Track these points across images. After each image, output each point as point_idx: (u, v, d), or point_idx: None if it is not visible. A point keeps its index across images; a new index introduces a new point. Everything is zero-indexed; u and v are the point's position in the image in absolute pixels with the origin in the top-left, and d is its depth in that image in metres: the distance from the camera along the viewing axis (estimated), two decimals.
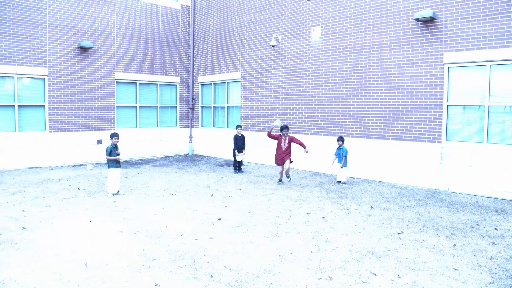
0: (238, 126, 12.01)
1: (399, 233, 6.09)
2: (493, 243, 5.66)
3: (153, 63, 15.55)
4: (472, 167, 8.95)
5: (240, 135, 12.02)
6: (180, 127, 16.74)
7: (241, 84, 14.61)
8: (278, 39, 13.06)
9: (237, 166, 12.07)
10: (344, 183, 10.12)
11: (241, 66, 14.57)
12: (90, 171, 11.99)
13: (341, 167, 10.09)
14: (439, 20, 9.32)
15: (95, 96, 13.92)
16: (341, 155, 10.07)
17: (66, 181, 10.29)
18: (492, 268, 4.77)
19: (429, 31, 9.50)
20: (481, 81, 8.91)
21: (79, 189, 9.29)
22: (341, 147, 10.11)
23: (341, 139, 10.13)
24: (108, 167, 8.60)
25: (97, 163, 13.80)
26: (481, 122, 8.96)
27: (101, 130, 14.11)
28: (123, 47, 14.57)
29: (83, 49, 13.47)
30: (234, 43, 14.85)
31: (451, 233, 6.13)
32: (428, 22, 9.48)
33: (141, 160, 14.98)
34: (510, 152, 8.43)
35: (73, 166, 13.05)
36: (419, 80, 9.72)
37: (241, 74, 14.57)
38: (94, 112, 13.93)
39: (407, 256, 5.11)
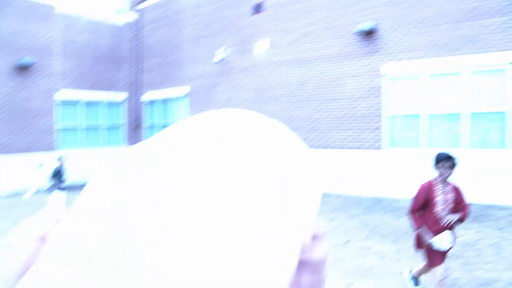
0: None
1: (346, 242, 6.24)
2: None
3: (98, 80, 15.07)
4: (411, 172, 9.38)
5: None
6: (129, 146, 16.29)
7: (190, 99, 14.49)
8: (224, 54, 13.13)
9: None
10: None
11: (189, 81, 14.47)
12: (29, 199, 11.34)
13: None
14: (378, 33, 9.79)
15: (36, 117, 13.24)
16: None
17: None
18: None
19: (369, 43, 9.95)
20: (419, 90, 9.42)
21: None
22: None
23: None
24: (50, 192, 8.14)
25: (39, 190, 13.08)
26: (420, 129, 9.44)
27: (42, 151, 13.38)
28: (66, 64, 14.02)
29: (23, 67, 12.77)
30: (182, 58, 14.75)
31: (395, 239, 6.36)
32: (368, 34, 9.92)
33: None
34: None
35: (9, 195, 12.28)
36: (360, 92, 10.11)
37: (189, 90, 14.47)
38: (34, 134, 13.22)
39: (354, 264, 5.24)
